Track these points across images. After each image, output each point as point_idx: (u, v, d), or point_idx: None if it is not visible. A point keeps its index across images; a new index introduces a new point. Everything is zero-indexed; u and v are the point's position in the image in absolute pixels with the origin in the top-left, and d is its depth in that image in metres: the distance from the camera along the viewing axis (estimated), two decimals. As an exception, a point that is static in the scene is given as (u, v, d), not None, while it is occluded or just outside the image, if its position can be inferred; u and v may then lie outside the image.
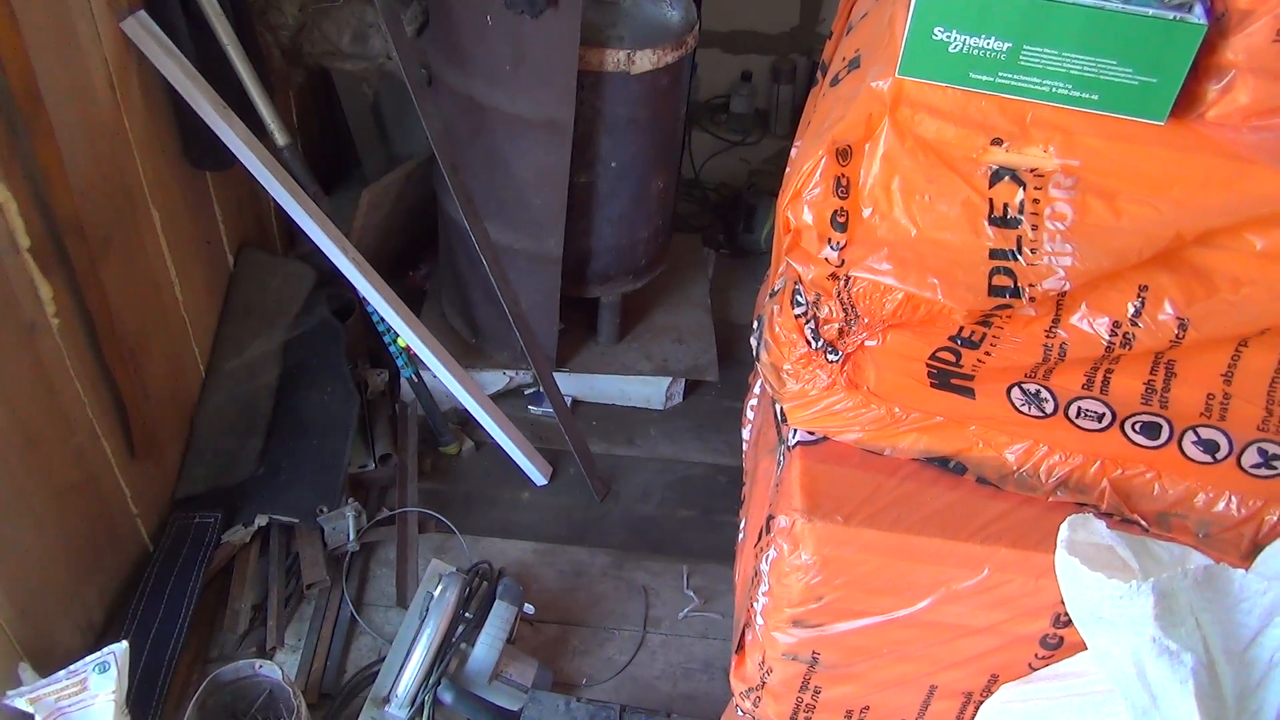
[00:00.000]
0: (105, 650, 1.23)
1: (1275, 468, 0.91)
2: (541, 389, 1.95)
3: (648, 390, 2.04)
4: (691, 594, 1.68)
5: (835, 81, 1.03)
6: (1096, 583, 0.74)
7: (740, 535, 1.44)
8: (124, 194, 1.42)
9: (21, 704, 1.20)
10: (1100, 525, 0.82)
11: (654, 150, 1.83)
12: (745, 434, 1.56)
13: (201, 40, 1.49)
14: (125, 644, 1.23)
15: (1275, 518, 0.93)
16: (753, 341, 1.08)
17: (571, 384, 2.02)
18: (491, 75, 1.63)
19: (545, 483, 1.87)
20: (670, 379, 2.02)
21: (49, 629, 1.31)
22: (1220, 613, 0.75)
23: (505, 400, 2.01)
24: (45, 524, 1.28)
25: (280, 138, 1.58)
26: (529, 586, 1.65)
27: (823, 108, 1.02)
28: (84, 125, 1.30)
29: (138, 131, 1.43)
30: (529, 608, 1.51)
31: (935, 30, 0.84)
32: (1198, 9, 0.78)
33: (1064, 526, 0.81)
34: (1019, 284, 0.88)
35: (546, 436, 1.95)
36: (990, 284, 0.88)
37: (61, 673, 1.22)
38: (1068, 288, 0.87)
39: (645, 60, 1.66)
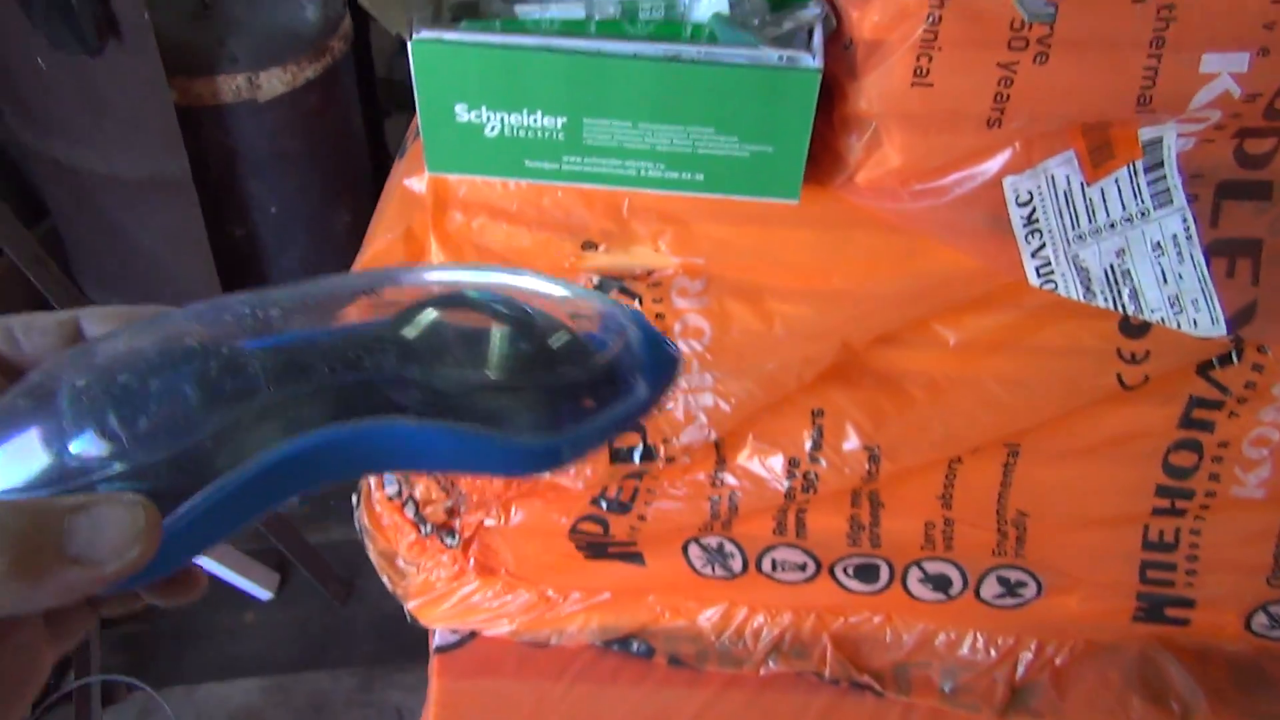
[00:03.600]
0: None
1: (1021, 595, 0.71)
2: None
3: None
4: (451, 708, 1.43)
5: (401, 152, 0.74)
6: None
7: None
8: None
9: None
10: None
11: (325, 182, 1.50)
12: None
13: None
14: None
15: (1030, 655, 0.73)
16: (355, 519, 0.81)
17: (296, 461, 1.71)
18: (69, 131, 1.26)
19: (271, 595, 1.57)
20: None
21: None
22: None
23: (219, 495, 1.68)
24: None
25: None
26: (254, 743, 1.37)
27: (383, 197, 0.73)
28: None
29: None
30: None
31: (458, 110, 0.56)
32: (812, 47, 0.53)
33: None
34: (649, 441, 0.63)
35: (274, 531, 1.64)
36: (610, 445, 0.63)
37: None
38: (713, 437, 0.63)
39: (275, 82, 1.32)
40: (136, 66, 1.17)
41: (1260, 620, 0.71)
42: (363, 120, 1.56)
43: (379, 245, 0.62)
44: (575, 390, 0.24)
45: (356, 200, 1.59)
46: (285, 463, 0.23)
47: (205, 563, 1.49)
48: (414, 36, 0.54)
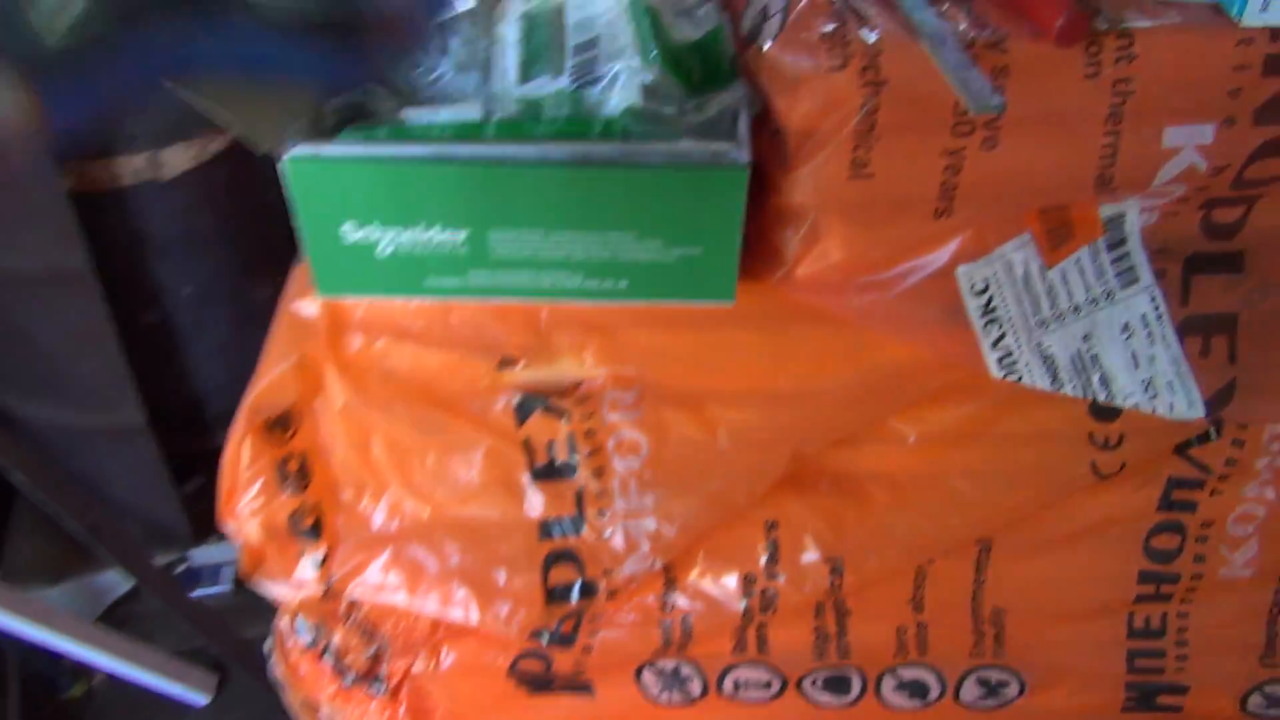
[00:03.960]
0: None
1: (1003, 695, 0.66)
2: (195, 564, 1.57)
3: (330, 530, 1.66)
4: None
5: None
6: None
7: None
8: None
9: None
10: None
11: (242, 257, 1.41)
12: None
13: None
14: None
15: (1020, 758, 0.68)
16: (268, 671, 0.73)
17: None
18: (-49, 227, 1.17)
19: (209, 699, 1.47)
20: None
21: None
22: None
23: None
24: None
25: None
26: None
27: (273, 324, 0.65)
28: None
29: None
30: None
31: (345, 230, 0.50)
32: (737, 137, 0.48)
33: None
34: (588, 576, 0.57)
35: (205, 628, 1.53)
36: (546, 583, 0.57)
37: None
38: (657, 566, 0.57)
39: (179, 159, 1.24)
40: (25, 149, 1.08)
41: (1256, 701, 0.67)
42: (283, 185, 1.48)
43: (270, 378, 0.55)
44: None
45: (279, 271, 1.51)
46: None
47: (133, 673, 1.39)
48: (288, 154, 0.47)
